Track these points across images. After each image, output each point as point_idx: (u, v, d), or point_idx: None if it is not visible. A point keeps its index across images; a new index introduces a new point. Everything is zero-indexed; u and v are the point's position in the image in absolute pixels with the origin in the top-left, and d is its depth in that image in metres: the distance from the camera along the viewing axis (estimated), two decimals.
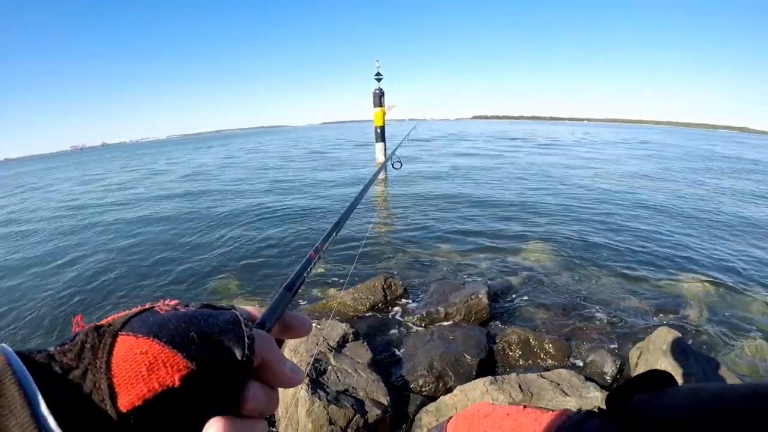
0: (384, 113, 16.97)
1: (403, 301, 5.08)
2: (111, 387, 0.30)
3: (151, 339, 0.33)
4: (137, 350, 0.32)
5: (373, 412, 2.99)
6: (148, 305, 0.38)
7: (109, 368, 0.31)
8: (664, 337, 3.62)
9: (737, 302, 5.49)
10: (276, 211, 10.93)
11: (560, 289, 5.66)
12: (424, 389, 3.53)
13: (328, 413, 2.90)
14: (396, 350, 4.13)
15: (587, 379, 3.22)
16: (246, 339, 0.37)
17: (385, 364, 3.93)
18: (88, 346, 0.32)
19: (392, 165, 2.49)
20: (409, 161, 20.66)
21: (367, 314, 4.81)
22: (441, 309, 4.64)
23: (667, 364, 3.39)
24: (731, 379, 3.43)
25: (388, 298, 5.01)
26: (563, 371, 3.28)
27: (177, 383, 0.32)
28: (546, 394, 3.00)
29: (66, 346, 0.32)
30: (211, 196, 14.11)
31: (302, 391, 3.05)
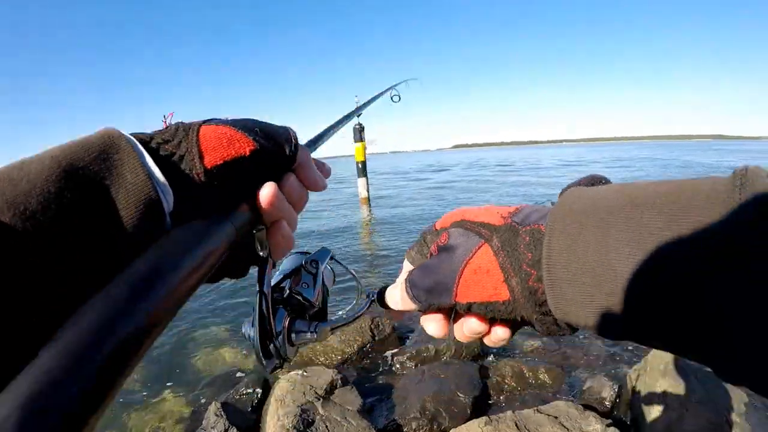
0: (365, 147, 17.07)
1: (392, 340, 4.92)
2: (200, 150, 0.41)
3: (229, 126, 0.43)
4: (219, 132, 0.43)
5: None
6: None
7: (197, 141, 0.41)
8: (661, 357, 3.53)
9: None
10: None
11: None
12: None
13: None
14: (387, 393, 3.96)
15: (586, 408, 3.10)
16: (293, 140, 0.49)
17: (376, 409, 3.76)
18: (181, 129, 0.42)
19: (391, 98, 2.55)
20: (391, 190, 20.76)
21: (354, 357, 4.64)
22: (431, 347, 4.50)
23: (666, 385, 3.28)
24: (734, 394, 3.33)
25: (377, 338, 4.85)
26: (561, 403, 3.16)
27: (247, 153, 0.42)
28: (544, 429, 2.87)
29: (162, 130, 0.43)
30: None
31: None
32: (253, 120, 0.47)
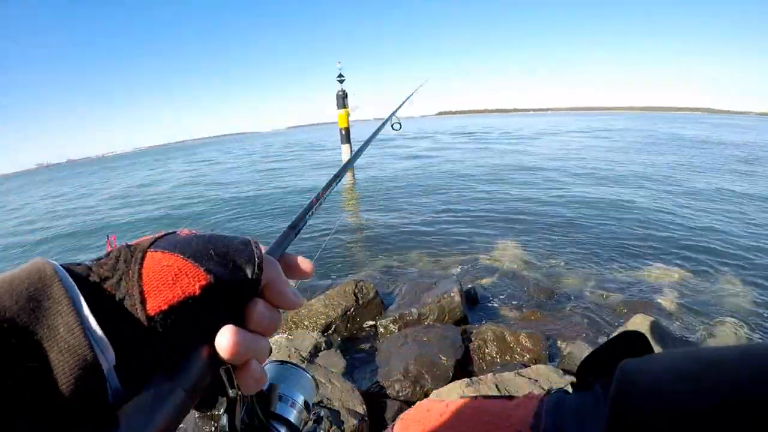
0: (348, 114, 16.83)
1: (376, 304, 4.95)
2: (141, 293, 0.35)
3: (176, 254, 0.37)
4: (164, 263, 0.37)
5: (350, 422, 2.87)
6: (169, 231, 0.42)
7: (140, 277, 0.35)
8: (640, 323, 3.61)
9: (706, 286, 5.59)
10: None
11: (533, 285, 5.66)
12: (400, 394, 3.41)
13: None
14: (370, 356, 4.01)
15: (566, 372, 3.17)
16: (256, 259, 0.41)
17: (359, 371, 3.80)
18: (121, 259, 0.37)
19: (392, 126, 2.49)
20: (374, 160, 20.64)
21: (338, 321, 4.66)
22: (414, 310, 4.54)
23: None
24: None
25: (360, 302, 4.88)
26: (541, 367, 3.22)
27: (198, 292, 0.36)
28: (524, 391, 2.93)
29: (102, 260, 0.37)
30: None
31: None
32: (210, 239, 0.41)
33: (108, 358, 0.32)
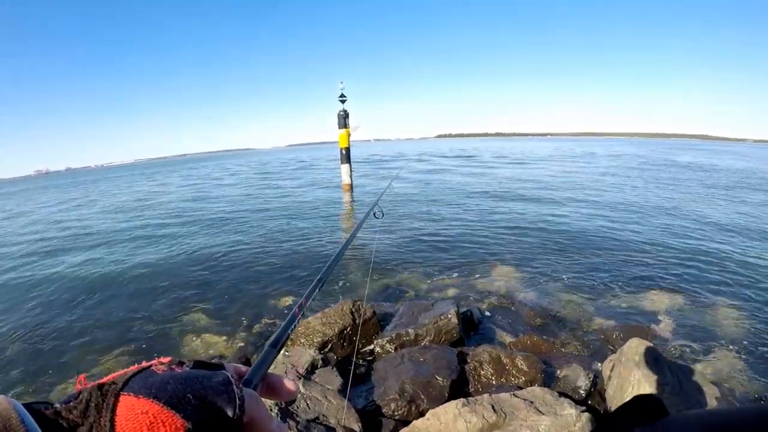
0: (349, 134, 16.97)
1: (373, 324, 4.97)
2: None
3: (151, 400, 0.35)
4: (139, 410, 0.34)
5: None
6: (144, 363, 0.40)
7: (113, 427, 0.33)
8: (635, 348, 3.63)
9: (701, 311, 5.62)
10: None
11: (529, 308, 5.68)
12: (396, 414, 3.42)
13: None
14: (367, 375, 4.01)
15: (561, 395, 3.18)
16: (237, 399, 0.39)
17: (356, 389, 3.80)
18: (92, 404, 0.34)
19: (374, 215, 2.55)
20: (371, 181, 20.71)
21: (335, 339, 4.67)
22: (411, 331, 4.55)
23: (640, 375, 3.38)
24: (706, 386, 3.46)
25: (357, 321, 4.89)
26: (537, 389, 3.23)
27: None
28: (520, 413, 2.94)
29: (71, 404, 0.34)
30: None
31: None
32: (187, 379, 0.39)
33: None
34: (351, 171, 17.61)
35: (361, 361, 4.37)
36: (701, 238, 9.43)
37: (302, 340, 4.64)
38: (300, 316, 0.68)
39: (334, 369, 3.77)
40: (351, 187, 17.69)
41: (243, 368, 0.49)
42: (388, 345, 4.53)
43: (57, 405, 0.34)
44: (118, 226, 14.47)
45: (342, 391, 3.43)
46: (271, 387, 0.49)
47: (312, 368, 3.72)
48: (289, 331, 0.62)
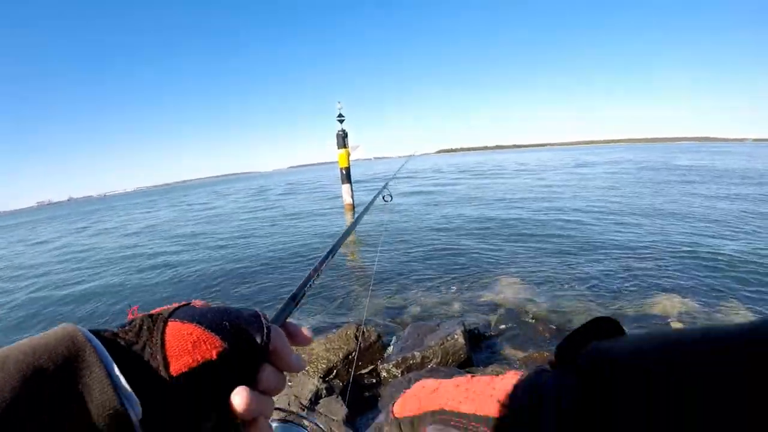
0: (348, 154, 16.99)
1: (378, 348, 4.87)
2: (164, 358, 0.39)
3: (194, 324, 0.42)
4: (185, 332, 0.41)
5: None
6: (184, 302, 0.46)
7: (163, 344, 0.40)
8: None
9: (713, 316, 5.51)
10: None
11: (537, 323, 5.58)
12: None
13: None
14: (372, 401, 3.91)
15: None
16: (265, 329, 0.46)
17: (361, 418, 3.70)
18: (145, 327, 0.41)
19: (383, 198, 2.56)
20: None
21: (340, 365, 4.57)
22: (417, 353, 4.46)
23: None
24: None
25: (362, 346, 4.79)
26: None
27: (214, 357, 0.41)
28: None
29: (127, 328, 0.41)
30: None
31: None
32: (223, 311, 0.46)
33: (136, 411, 0.36)
34: (352, 191, 17.59)
35: (366, 387, 4.26)
36: (712, 236, 9.31)
37: (306, 368, 4.54)
38: (315, 277, 0.75)
39: (338, 398, 3.67)
40: (353, 207, 17.66)
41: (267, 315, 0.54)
42: (394, 369, 4.43)
43: (114, 329, 0.41)
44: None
45: (347, 422, 3.34)
46: (290, 333, 0.53)
47: (316, 398, 3.62)
48: (305, 289, 0.69)
